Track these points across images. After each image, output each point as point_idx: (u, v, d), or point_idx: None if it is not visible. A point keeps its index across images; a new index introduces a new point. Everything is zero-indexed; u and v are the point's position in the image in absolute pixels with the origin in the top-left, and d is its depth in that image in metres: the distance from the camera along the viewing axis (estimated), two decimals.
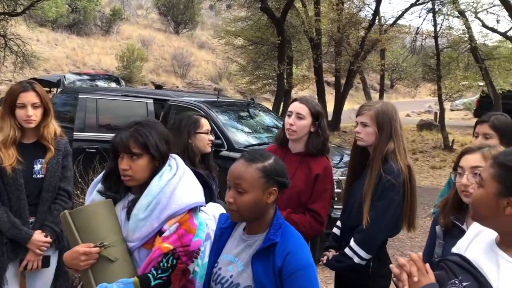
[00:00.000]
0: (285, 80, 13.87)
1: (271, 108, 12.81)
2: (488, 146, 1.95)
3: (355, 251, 2.40)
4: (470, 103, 23.93)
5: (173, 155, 2.00)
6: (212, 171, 3.06)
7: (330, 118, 15.90)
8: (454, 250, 1.55)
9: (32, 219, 2.58)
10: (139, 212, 1.84)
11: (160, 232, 1.84)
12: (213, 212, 2.24)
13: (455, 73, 16.93)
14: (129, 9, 32.59)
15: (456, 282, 1.39)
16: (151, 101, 6.44)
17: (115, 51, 23.61)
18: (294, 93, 19.42)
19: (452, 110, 27.72)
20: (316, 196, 2.60)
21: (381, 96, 20.07)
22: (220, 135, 5.82)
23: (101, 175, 2.01)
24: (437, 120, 17.17)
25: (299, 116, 2.62)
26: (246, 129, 6.70)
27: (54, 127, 2.65)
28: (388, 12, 45.12)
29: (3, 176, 2.47)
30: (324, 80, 16.06)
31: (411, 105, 31.71)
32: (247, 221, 1.71)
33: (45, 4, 13.27)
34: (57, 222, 2.60)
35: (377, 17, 15.30)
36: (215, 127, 5.90)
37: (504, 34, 15.88)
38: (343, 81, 15.96)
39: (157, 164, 1.90)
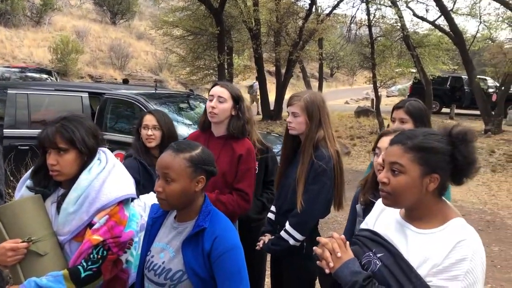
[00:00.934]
0: (226, 71, 13.90)
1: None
2: (403, 130, 2.12)
3: (290, 234, 2.52)
4: (405, 89, 25.13)
5: (103, 148, 2.02)
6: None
7: (272, 107, 16.14)
8: (363, 226, 1.69)
9: None
10: (69, 206, 1.85)
11: (90, 225, 1.86)
12: (149, 202, 2.27)
13: (389, 61, 17.69)
14: None
15: (371, 254, 1.53)
16: (86, 95, 6.27)
17: (47, 43, 22.54)
18: (236, 82, 19.48)
19: (388, 96, 28.95)
20: (241, 175, 2.71)
21: (320, 85, 20.57)
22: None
23: (30, 171, 1.99)
24: (374, 106, 17.88)
25: (220, 100, 2.72)
26: (187, 121, 6.69)
27: None
28: (324, 2, 46.19)
29: None
30: (265, 69, 16.24)
31: (350, 92, 32.77)
32: (177, 209, 1.77)
33: None
34: None
35: (313, 7, 15.62)
36: None
37: (432, 23, 16.76)
38: (283, 71, 16.22)
39: (85, 158, 1.91)
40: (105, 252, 1.84)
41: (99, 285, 1.88)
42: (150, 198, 2.35)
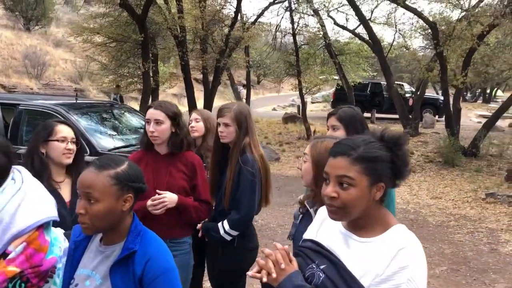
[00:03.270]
0: (151, 78, 13.53)
1: (138, 108, 12.40)
2: (332, 137, 2.15)
3: (226, 231, 2.80)
4: (328, 95, 26.02)
5: (18, 167, 1.79)
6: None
7: None
8: (305, 236, 1.64)
9: None
10: None
11: (4, 254, 1.63)
12: None
13: (313, 68, 18.24)
14: None
15: (314, 266, 1.47)
16: None
17: None
18: (163, 90, 19.06)
19: (313, 102, 29.87)
20: (201, 187, 2.84)
21: (248, 92, 20.70)
22: (81, 139, 5.44)
23: None
24: (300, 112, 18.29)
25: (157, 122, 2.75)
26: (111, 132, 6.39)
27: None
28: (250, 10, 46.74)
29: None
30: (192, 77, 16.02)
31: (277, 99, 33.39)
32: (102, 232, 1.61)
33: None
34: None
35: (239, 15, 15.71)
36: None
37: (353, 32, 17.53)
38: (211, 78, 16.11)
39: None
40: (23, 285, 1.62)
41: None
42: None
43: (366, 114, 20.60)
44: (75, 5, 22.21)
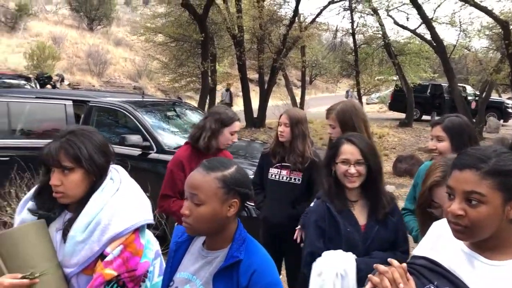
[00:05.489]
0: (209, 78, 13.70)
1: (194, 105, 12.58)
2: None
3: None
4: (385, 97, 25.33)
5: (115, 166, 1.78)
6: None
7: (255, 115, 15.99)
8: (417, 252, 1.51)
9: None
10: (77, 234, 1.60)
11: (102, 256, 1.61)
12: (336, 265, 2.08)
13: (371, 68, 17.82)
14: (36, 4, 30.46)
15: (432, 287, 1.35)
16: (70, 102, 5.97)
17: (23, 49, 21.92)
18: (218, 90, 19.28)
19: (368, 103, 29.18)
20: None
21: (303, 92, 20.54)
22: (148, 137, 5.54)
23: (32, 191, 1.74)
24: None
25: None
26: (174, 130, 6.46)
27: None
28: (307, 9, 46.19)
29: None
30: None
31: (330, 100, 32.89)
32: (204, 235, 1.56)
33: None
34: None
35: (297, 15, 15.60)
36: (142, 128, 5.62)
37: (413, 31, 16.94)
38: (266, 78, 16.11)
39: (94, 178, 1.68)
40: None
41: None
42: (338, 259, 2.04)
43: (426, 117, 19.88)
44: (134, 6, 22.90)
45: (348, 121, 2.66)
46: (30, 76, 11.52)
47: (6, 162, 5.11)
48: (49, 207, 1.69)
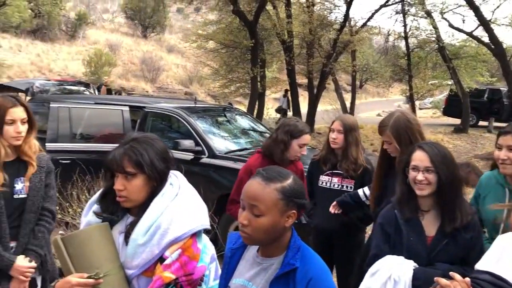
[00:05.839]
0: (259, 83, 13.80)
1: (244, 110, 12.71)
2: None
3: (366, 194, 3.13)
4: (439, 102, 24.49)
5: (175, 172, 1.85)
6: None
7: (304, 119, 15.95)
8: (480, 267, 1.46)
9: (12, 244, 2.37)
10: (138, 237, 1.67)
11: (161, 259, 1.67)
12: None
13: (424, 73, 17.30)
14: (94, 13, 31.93)
15: None
16: (127, 108, 6.21)
17: (81, 56, 23.03)
18: (267, 95, 19.38)
19: (420, 108, 28.31)
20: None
21: (353, 97, 20.26)
22: (200, 141, 5.66)
23: (97, 194, 1.84)
24: None
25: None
26: (225, 135, 6.56)
27: (34, 142, 2.46)
28: (357, 13, 45.32)
29: None
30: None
31: (380, 104, 32.22)
32: (261, 245, 1.58)
33: (8, 10, 12.76)
34: (41, 245, 2.40)
35: (347, 19, 15.44)
36: (194, 133, 5.74)
37: (470, 34, 16.31)
38: (315, 83, 16.03)
39: (155, 184, 1.74)
40: None
41: None
42: (395, 264, 2.05)
43: (483, 123, 19.06)
44: (186, 14, 23.49)
45: (403, 136, 2.61)
46: (89, 82, 12.08)
47: (67, 165, 5.38)
48: (113, 210, 1.77)
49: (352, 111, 19.28)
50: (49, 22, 24.23)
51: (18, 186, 2.38)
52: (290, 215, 1.51)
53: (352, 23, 16.37)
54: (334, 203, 3.13)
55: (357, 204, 3.12)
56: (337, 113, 18.73)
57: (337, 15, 16.85)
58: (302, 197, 1.53)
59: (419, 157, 2.09)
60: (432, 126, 19.03)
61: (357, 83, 37.54)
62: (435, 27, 15.50)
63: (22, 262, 2.33)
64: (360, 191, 3.13)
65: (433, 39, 15.84)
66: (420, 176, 2.06)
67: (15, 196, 2.37)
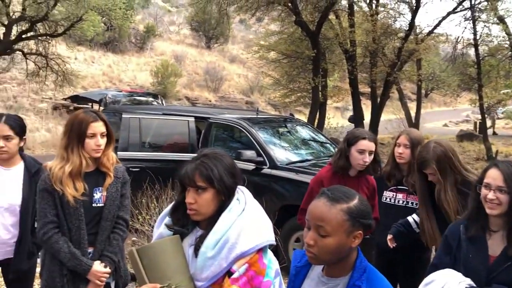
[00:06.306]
0: (320, 93, 13.73)
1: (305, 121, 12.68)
2: None
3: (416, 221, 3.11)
4: None
5: (241, 187, 1.92)
6: None
7: (367, 129, 15.62)
8: None
9: (90, 249, 2.55)
10: (208, 250, 1.75)
11: (228, 272, 1.73)
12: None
13: (496, 81, 16.40)
14: (162, 25, 33.22)
15: None
16: (192, 119, 6.43)
17: (149, 67, 24.06)
18: (328, 104, 19.21)
19: (498, 118, 26.81)
20: (376, 208, 3.21)
21: (418, 107, 19.60)
22: (262, 152, 5.74)
23: (169, 207, 1.95)
24: (478, 130, 16.62)
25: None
26: (286, 145, 6.60)
27: (112, 154, 2.64)
28: (423, 21, 43.24)
29: (64, 206, 2.45)
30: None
31: (447, 114, 30.94)
32: (327, 264, 1.60)
33: (84, 24, 13.63)
34: (116, 252, 2.57)
35: (413, 27, 15.00)
36: (256, 144, 5.83)
37: None
38: (378, 92, 15.70)
39: (223, 198, 1.82)
40: None
41: None
42: (450, 277, 2.02)
43: None
44: (248, 24, 23.86)
45: (446, 167, 2.80)
46: (156, 93, 12.60)
47: (137, 173, 5.65)
48: (183, 223, 1.86)
49: (417, 121, 18.64)
50: (120, 35, 25.54)
51: (97, 195, 2.55)
52: (356, 236, 1.52)
53: (418, 31, 15.87)
54: (390, 237, 3.11)
55: (409, 232, 3.08)
56: (401, 122, 18.19)
57: (402, 23, 16.39)
58: (368, 218, 1.54)
59: (493, 175, 2.03)
60: (504, 138, 18.02)
61: (423, 91, 36.33)
62: (508, 34, 14.67)
63: (99, 267, 2.50)
64: (410, 219, 3.10)
65: (506, 46, 15.00)
66: (491, 195, 2.00)
67: (94, 205, 2.54)
